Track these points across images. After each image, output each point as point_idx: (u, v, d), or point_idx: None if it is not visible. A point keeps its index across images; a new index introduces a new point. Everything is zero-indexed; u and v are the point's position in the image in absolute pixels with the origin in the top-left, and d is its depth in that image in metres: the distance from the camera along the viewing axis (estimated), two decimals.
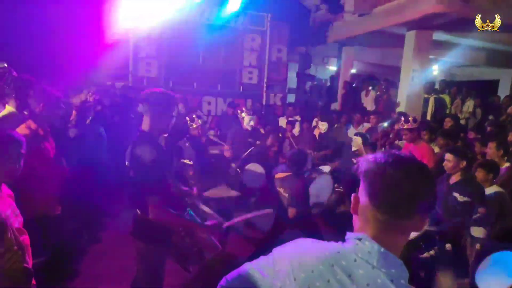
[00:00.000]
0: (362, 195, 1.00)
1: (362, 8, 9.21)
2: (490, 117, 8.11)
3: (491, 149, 4.12)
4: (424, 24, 7.61)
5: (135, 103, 5.60)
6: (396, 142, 5.67)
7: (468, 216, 3.39)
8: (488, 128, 6.05)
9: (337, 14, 10.25)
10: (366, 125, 6.41)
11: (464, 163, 3.42)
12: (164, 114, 2.28)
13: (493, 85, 11.56)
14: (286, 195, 3.56)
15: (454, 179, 3.48)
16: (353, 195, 1.04)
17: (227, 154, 5.40)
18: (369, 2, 9.03)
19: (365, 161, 1.00)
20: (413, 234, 3.06)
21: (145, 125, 2.28)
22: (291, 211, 3.54)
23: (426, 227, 3.11)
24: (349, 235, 1.02)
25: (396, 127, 5.75)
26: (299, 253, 1.01)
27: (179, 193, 2.60)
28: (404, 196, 0.93)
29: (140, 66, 8.37)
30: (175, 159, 4.16)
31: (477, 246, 3.63)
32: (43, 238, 2.61)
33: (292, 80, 11.20)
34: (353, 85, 9.81)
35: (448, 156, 3.46)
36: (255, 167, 5.07)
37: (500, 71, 11.30)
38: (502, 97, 8.89)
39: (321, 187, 4.04)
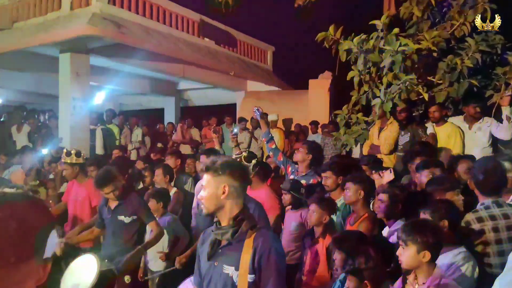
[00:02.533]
0: None
1: None
2: (159, 144, 9.25)
3: (158, 176, 4.71)
4: (79, 46, 7.98)
5: None
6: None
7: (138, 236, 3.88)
8: (152, 155, 7.05)
9: None
10: (15, 169, 5.69)
11: (120, 184, 3.84)
12: None
13: (159, 113, 13.35)
14: None
15: (114, 204, 3.84)
16: None
17: None
18: (7, 14, 8.53)
19: None
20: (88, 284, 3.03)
21: None
22: None
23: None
24: None
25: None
26: None
27: None
28: (8, 239, 0.85)
29: None
30: None
31: (156, 280, 4.06)
32: None
33: None
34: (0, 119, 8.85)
35: (105, 189, 3.74)
36: None
37: (164, 99, 13.30)
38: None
39: None
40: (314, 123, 9.38)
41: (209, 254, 1.97)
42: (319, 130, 9.02)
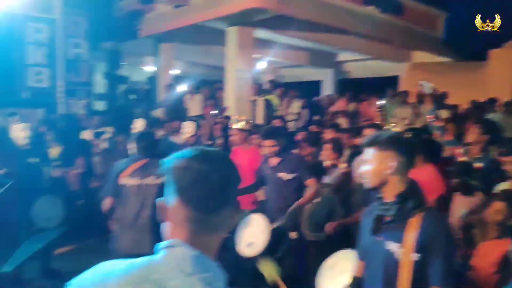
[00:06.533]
0: (170, 195, 1.08)
1: None
2: (316, 117, 9.51)
3: (327, 151, 4.70)
4: (244, 19, 8.69)
5: None
6: None
7: (298, 193, 4.04)
8: (310, 129, 7.25)
9: (149, 4, 10.62)
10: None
11: (283, 141, 4.12)
12: None
13: (316, 85, 13.70)
14: (160, 180, 3.48)
15: (274, 161, 4.11)
16: (157, 201, 1.13)
17: None
18: None
19: (171, 159, 1.10)
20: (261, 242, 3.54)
21: None
22: None
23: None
24: (159, 245, 1.08)
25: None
26: (102, 277, 1.05)
27: None
28: (212, 187, 1.05)
29: None
30: None
31: (292, 235, 4.08)
32: None
33: (100, 83, 10.92)
34: (176, 88, 10.28)
35: (265, 142, 4.10)
36: (48, 201, 4.80)
37: (322, 71, 13.57)
38: None
39: None
40: (492, 101, 8.47)
41: (372, 228, 2.00)
42: (498, 108, 8.18)
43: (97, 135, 7.13)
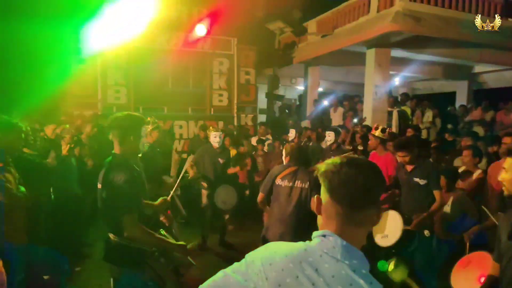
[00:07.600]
0: (323, 194, 1.12)
1: (324, 29, 9.93)
2: (449, 126, 8.66)
3: (467, 157, 4.27)
4: (382, 42, 8.28)
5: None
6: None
7: (431, 197, 3.73)
8: (446, 135, 6.58)
9: (301, 36, 10.92)
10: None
11: (415, 150, 3.83)
12: (131, 136, 2.34)
13: (451, 96, 12.28)
14: (306, 185, 3.57)
15: (410, 167, 3.86)
16: (315, 196, 1.15)
17: (190, 173, 5.18)
18: (330, 23, 9.76)
19: (324, 164, 1.14)
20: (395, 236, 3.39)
21: (116, 149, 2.36)
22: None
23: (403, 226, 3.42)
24: (314, 233, 1.12)
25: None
26: (270, 254, 1.10)
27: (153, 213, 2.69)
28: (358, 188, 1.06)
29: (109, 93, 8.50)
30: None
31: (426, 232, 3.78)
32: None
33: (262, 101, 11.62)
34: (323, 102, 10.33)
35: (400, 153, 3.86)
36: (226, 189, 5.20)
37: (456, 83, 12.15)
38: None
39: None
40: None
41: (510, 233, 1.78)
42: None
43: (260, 141, 7.57)
